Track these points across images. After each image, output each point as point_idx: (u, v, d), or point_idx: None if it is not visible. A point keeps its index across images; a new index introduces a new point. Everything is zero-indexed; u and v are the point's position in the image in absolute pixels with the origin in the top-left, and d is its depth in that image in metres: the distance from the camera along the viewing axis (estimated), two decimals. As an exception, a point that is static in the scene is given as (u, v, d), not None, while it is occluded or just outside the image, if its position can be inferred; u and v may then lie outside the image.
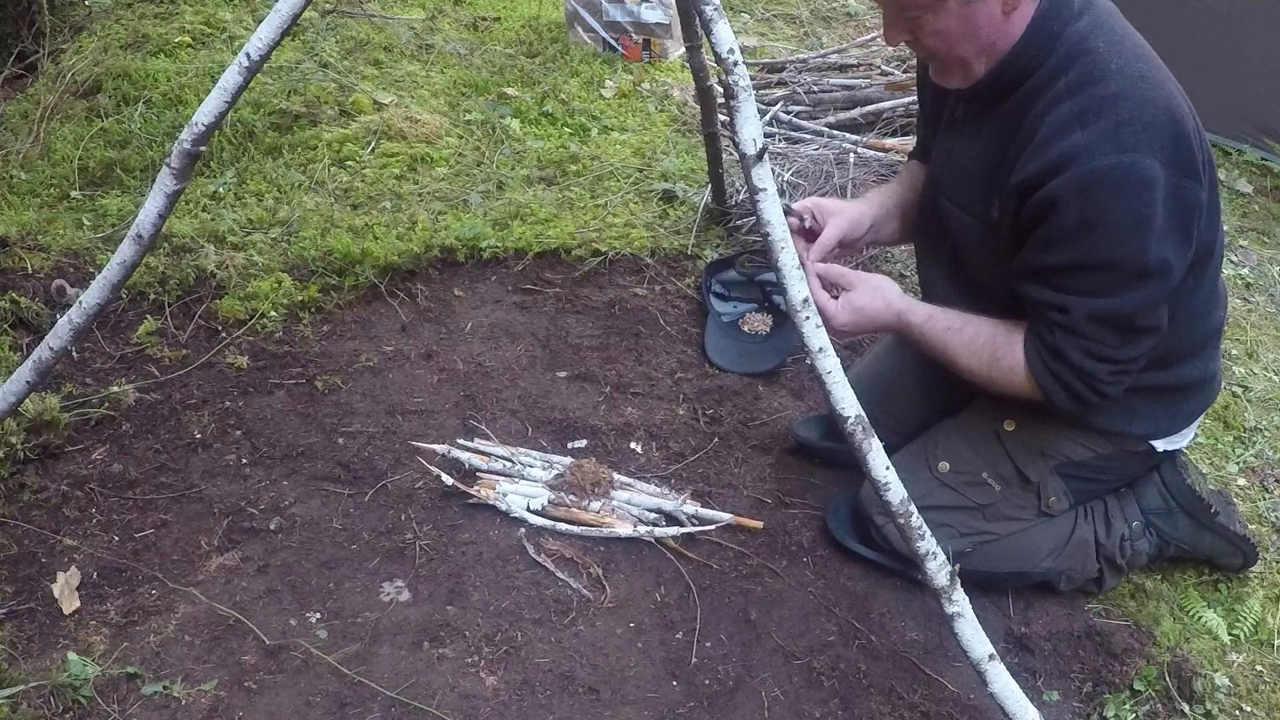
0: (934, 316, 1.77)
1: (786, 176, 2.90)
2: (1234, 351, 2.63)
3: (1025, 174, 1.57)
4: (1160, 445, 1.87)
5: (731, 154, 2.74)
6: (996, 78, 1.63)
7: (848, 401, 1.55)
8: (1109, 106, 1.52)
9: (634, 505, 2.05)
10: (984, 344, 1.72)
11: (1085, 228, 1.53)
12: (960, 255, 1.79)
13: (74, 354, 2.37)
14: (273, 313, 2.54)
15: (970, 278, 1.79)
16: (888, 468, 1.58)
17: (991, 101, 1.67)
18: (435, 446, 2.12)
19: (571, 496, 2.05)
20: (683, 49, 3.26)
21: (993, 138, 1.66)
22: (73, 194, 2.94)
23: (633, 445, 2.25)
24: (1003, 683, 1.63)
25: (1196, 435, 2.27)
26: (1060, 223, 1.54)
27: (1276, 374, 2.58)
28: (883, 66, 3.51)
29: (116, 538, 1.98)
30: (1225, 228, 3.12)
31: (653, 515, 2.05)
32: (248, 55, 1.57)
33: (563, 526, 2.02)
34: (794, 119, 3.32)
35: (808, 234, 1.84)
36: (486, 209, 2.93)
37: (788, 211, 1.75)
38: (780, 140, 3.20)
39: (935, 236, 1.85)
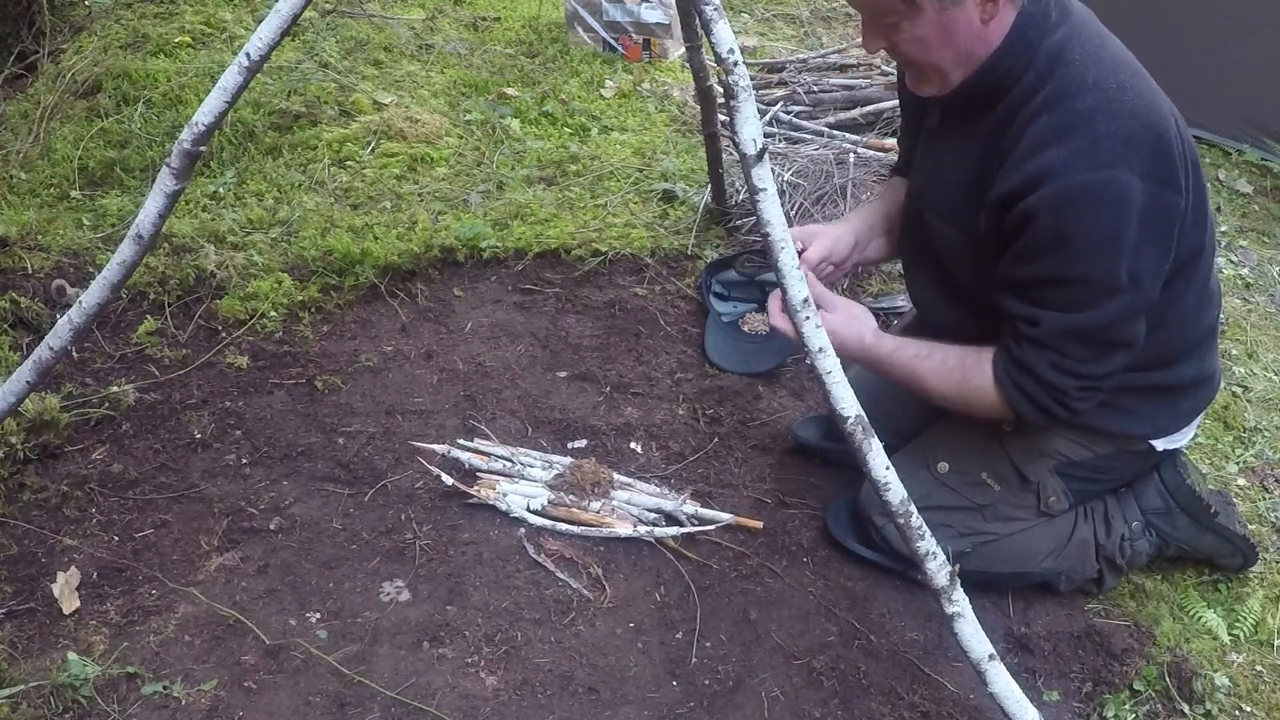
0: (903, 344, 1.80)
1: (786, 176, 2.90)
2: (1234, 351, 2.63)
3: (1004, 188, 1.58)
4: (1160, 445, 1.87)
5: (731, 154, 2.74)
6: (973, 87, 1.63)
7: (848, 401, 1.55)
8: (1086, 121, 1.53)
9: (634, 505, 2.05)
10: (954, 366, 1.74)
11: (1059, 242, 1.54)
12: (947, 267, 1.80)
13: (74, 354, 2.37)
14: (273, 313, 2.54)
15: (959, 288, 1.79)
16: (888, 468, 1.58)
17: (969, 111, 1.67)
18: (435, 446, 2.12)
19: (571, 496, 2.05)
20: (683, 49, 3.26)
21: (975, 152, 1.67)
22: (73, 194, 2.93)
23: (633, 445, 2.25)
24: (1003, 683, 1.63)
25: (1196, 435, 2.27)
26: (1035, 236, 1.55)
27: (1276, 374, 2.58)
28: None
29: (116, 538, 1.98)
30: (1225, 228, 3.12)
31: (653, 515, 2.05)
32: (248, 55, 1.57)
33: (563, 526, 2.02)
34: (794, 119, 3.32)
35: None
36: (486, 209, 2.93)
37: None
38: (780, 140, 3.20)
39: (920, 250, 1.86)
